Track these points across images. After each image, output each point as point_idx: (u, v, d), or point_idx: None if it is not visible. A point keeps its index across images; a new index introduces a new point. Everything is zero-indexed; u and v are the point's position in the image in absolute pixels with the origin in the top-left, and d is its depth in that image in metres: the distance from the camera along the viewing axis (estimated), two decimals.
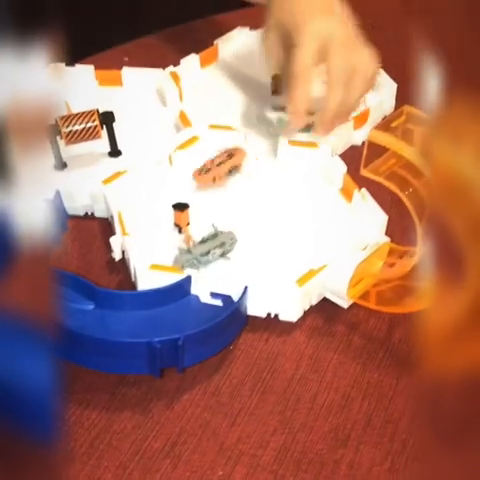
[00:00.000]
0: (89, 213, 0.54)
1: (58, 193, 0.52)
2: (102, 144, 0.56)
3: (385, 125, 0.42)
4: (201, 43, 0.67)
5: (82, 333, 0.40)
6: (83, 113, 0.53)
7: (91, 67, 0.64)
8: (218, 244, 0.46)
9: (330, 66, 0.51)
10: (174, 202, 0.50)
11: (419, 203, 0.40)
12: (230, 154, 0.53)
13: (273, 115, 0.59)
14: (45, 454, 0.23)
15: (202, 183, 0.52)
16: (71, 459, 0.40)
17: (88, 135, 0.54)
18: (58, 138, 0.54)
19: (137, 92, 0.63)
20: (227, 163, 0.53)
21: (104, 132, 0.55)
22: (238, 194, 0.53)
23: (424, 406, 0.38)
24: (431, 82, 0.21)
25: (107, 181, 0.52)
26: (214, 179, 0.52)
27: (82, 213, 0.54)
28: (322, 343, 0.44)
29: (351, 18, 0.54)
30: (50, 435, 0.23)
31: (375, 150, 0.42)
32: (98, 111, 0.53)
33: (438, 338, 0.32)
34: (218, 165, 0.52)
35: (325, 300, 0.46)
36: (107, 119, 0.54)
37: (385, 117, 0.60)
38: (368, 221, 0.49)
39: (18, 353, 0.22)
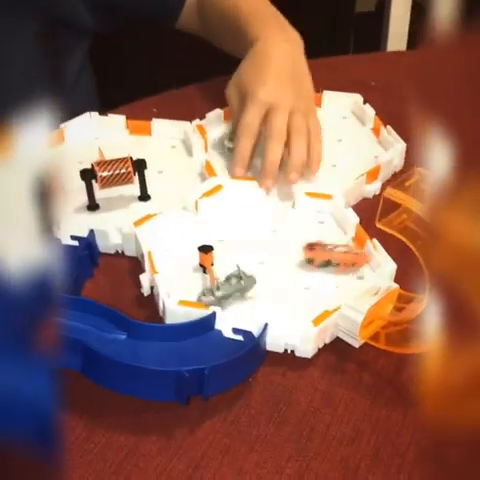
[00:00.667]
0: (119, 251, 0.58)
1: (92, 232, 0.57)
2: (133, 188, 0.60)
3: (400, 184, 0.46)
4: (225, 98, 0.72)
5: (115, 360, 0.44)
6: (118, 160, 0.58)
7: (123, 117, 0.69)
8: (239, 288, 0.50)
9: (269, 126, 0.61)
10: (199, 244, 0.54)
11: (428, 254, 0.44)
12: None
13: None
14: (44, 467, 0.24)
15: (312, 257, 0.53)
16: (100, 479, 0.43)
17: (121, 180, 0.58)
18: (93, 181, 0.59)
19: (165, 142, 0.68)
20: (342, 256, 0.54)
21: (135, 177, 0.59)
22: (258, 238, 0.57)
23: (429, 444, 0.40)
24: (438, 149, 0.24)
25: (138, 223, 0.56)
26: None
27: (113, 251, 0.58)
28: (335, 379, 0.48)
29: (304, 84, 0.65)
30: (50, 449, 0.25)
31: (389, 205, 0.47)
32: (131, 158, 0.58)
33: (442, 391, 0.33)
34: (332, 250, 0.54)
35: (338, 339, 0.50)
36: (139, 166, 0.59)
37: (395, 173, 0.65)
38: (379, 268, 0.53)
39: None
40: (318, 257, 0.52)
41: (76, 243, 0.56)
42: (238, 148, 0.61)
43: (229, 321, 0.49)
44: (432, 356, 0.28)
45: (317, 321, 0.48)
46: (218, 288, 0.50)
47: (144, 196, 0.61)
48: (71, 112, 0.70)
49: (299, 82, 0.65)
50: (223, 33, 0.76)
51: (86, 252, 0.56)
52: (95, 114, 0.69)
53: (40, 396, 0.23)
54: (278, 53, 0.65)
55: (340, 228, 0.58)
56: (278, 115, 0.61)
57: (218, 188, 0.60)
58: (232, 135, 0.64)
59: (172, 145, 0.68)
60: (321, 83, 0.70)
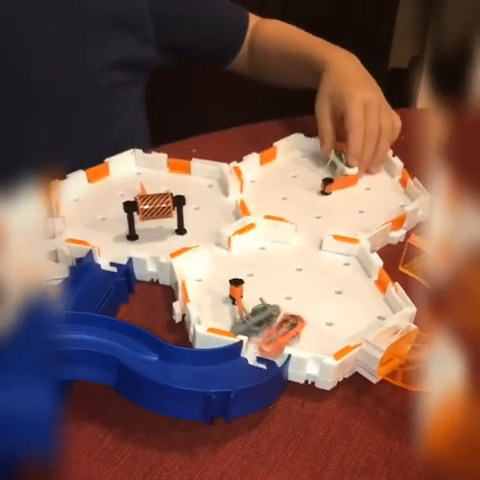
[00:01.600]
0: (154, 280, 0.62)
1: (130, 260, 0.61)
2: (171, 222, 0.64)
3: (424, 232, 0.49)
4: (262, 143, 0.77)
5: (147, 379, 0.47)
6: (159, 195, 0.62)
7: (164, 155, 0.74)
8: (267, 316, 0.54)
9: (366, 122, 0.72)
10: (230, 277, 0.58)
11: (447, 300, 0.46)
12: (292, 324, 0.54)
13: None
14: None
15: (272, 355, 0.51)
16: None
17: (161, 214, 0.62)
18: (135, 213, 0.63)
19: (203, 180, 0.72)
20: (290, 333, 0.53)
21: (174, 212, 0.63)
22: (285, 274, 0.61)
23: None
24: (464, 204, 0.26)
25: (174, 254, 0.60)
26: (281, 348, 0.52)
27: (148, 279, 0.62)
28: (351, 412, 0.50)
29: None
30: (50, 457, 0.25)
31: (413, 251, 0.49)
32: (172, 194, 0.62)
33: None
34: (283, 335, 0.53)
35: (357, 374, 0.52)
36: (179, 202, 0.63)
37: (419, 223, 0.68)
38: (400, 310, 0.55)
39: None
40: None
41: (115, 269, 0.60)
42: (353, 143, 0.72)
43: (254, 350, 0.52)
44: (449, 401, 0.29)
45: (338, 355, 0.51)
46: (246, 319, 0.53)
47: (181, 230, 0.65)
48: (124, 139, 0.75)
49: (373, 84, 0.77)
50: (283, 66, 0.85)
51: (123, 278, 0.59)
52: (139, 151, 0.74)
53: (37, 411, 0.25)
54: (351, 65, 0.78)
55: (364, 271, 0.61)
56: (374, 113, 0.73)
57: (250, 226, 0.64)
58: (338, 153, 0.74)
59: (209, 184, 0.72)
60: None
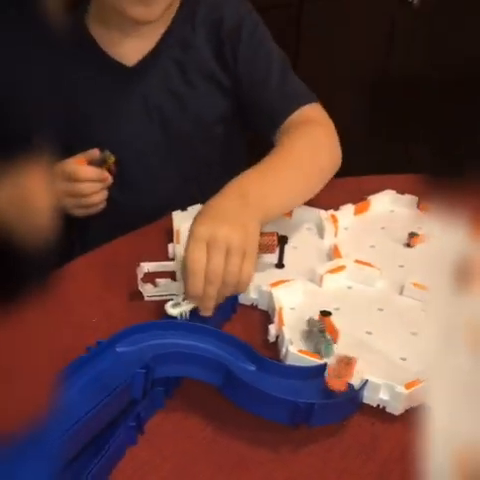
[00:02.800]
0: (254, 304, 0.72)
1: None
2: (272, 257, 0.75)
3: None
4: (357, 196, 0.86)
5: (247, 383, 0.57)
6: (267, 233, 0.73)
7: None
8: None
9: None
10: (319, 309, 0.67)
11: None
12: (347, 361, 0.59)
13: None
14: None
15: (337, 388, 0.58)
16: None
17: (266, 249, 0.73)
18: None
19: (302, 224, 0.83)
20: (350, 371, 0.59)
21: (277, 249, 0.74)
22: (368, 312, 0.70)
23: None
24: None
25: (274, 284, 0.71)
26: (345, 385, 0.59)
27: (249, 303, 0.72)
28: (416, 437, 0.58)
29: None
30: None
31: None
32: (277, 234, 0.73)
33: None
34: (345, 371, 0.59)
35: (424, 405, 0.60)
36: (282, 241, 0.74)
37: None
38: None
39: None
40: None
41: None
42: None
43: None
44: None
45: (408, 386, 0.59)
46: (332, 343, 0.63)
47: (280, 264, 0.75)
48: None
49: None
50: None
51: (230, 301, 0.70)
52: None
53: None
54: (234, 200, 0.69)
55: None
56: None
57: (341, 268, 0.74)
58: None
59: (308, 227, 0.83)
60: None
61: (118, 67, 0.90)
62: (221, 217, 0.66)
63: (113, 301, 0.73)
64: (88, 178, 0.82)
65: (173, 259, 0.76)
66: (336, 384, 0.58)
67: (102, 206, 0.85)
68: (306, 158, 0.79)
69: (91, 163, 0.82)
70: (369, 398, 0.60)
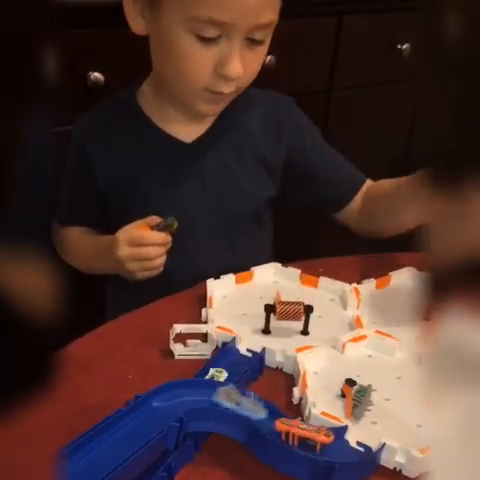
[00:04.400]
0: (280, 367, 0.77)
1: (263, 349, 0.77)
2: (298, 324, 0.80)
3: None
4: (380, 272, 0.92)
5: (272, 440, 0.62)
6: (294, 302, 0.78)
7: (298, 270, 0.91)
8: (363, 394, 0.68)
9: None
10: (341, 375, 0.72)
11: None
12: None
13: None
14: None
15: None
16: None
17: (293, 317, 0.79)
18: (272, 314, 0.79)
19: (327, 295, 0.88)
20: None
21: (303, 317, 0.79)
22: (387, 380, 0.74)
23: None
24: None
25: (299, 350, 0.75)
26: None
27: (275, 366, 0.77)
28: None
29: None
30: None
31: None
32: (304, 303, 0.79)
33: None
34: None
35: None
36: (308, 310, 0.79)
37: None
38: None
39: None
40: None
41: (250, 355, 0.76)
42: None
43: (356, 435, 0.65)
44: None
45: (423, 450, 0.63)
46: (354, 409, 0.67)
47: (305, 331, 0.80)
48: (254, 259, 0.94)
49: None
50: (387, 205, 0.97)
51: (256, 362, 0.75)
52: (278, 265, 0.92)
53: None
54: None
55: None
56: None
57: (362, 337, 0.78)
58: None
59: (332, 298, 0.88)
60: None
61: (177, 143, 0.98)
62: None
63: (147, 359, 0.78)
64: (155, 242, 0.88)
65: (205, 322, 0.81)
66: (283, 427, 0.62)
67: (162, 269, 0.91)
68: None
69: (153, 228, 0.89)
70: (386, 461, 0.64)
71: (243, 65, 0.87)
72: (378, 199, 1.00)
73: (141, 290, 0.93)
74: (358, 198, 1.04)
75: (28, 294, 0.22)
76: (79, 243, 1.02)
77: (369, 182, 1.05)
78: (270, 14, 0.86)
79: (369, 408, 0.69)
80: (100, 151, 0.99)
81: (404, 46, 1.61)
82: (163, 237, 0.88)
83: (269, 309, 0.79)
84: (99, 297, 1.12)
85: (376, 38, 1.60)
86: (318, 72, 1.58)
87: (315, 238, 1.57)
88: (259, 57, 0.91)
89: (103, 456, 0.60)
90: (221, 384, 0.68)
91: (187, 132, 0.99)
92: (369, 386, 0.70)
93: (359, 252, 1.00)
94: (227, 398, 0.65)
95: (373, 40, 1.60)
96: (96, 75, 1.18)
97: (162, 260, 0.90)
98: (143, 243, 0.88)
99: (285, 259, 0.97)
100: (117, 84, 1.11)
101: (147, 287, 0.92)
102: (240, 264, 0.92)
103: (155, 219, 0.89)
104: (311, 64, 1.54)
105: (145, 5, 0.88)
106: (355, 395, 0.69)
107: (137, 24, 0.89)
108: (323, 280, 0.89)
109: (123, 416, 0.62)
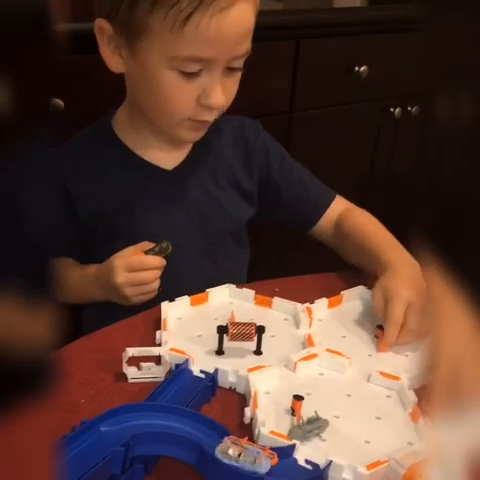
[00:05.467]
0: (233, 387, 0.77)
1: (216, 370, 0.77)
2: (251, 345, 0.81)
3: None
4: (331, 290, 0.94)
5: (220, 461, 0.62)
6: (246, 323, 0.79)
7: (253, 291, 0.92)
8: (317, 427, 0.68)
9: (405, 320, 0.83)
10: (293, 393, 0.73)
11: None
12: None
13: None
14: None
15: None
16: None
17: (245, 337, 0.79)
18: (225, 335, 0.80)
19: (280, 315, 0.90)
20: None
21: (255, 337, 0.80)
22: (337, 397, 0.75)
23: None
24: None
25: (251, 370, 0.76)
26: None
27: (228, 387, 0.78)
28: None
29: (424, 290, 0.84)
30: None
31: None
32: (255, 324, 0.79)
33: None
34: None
35: None
36: (260, 330, 0.80)
37: None
38: (426, 438, 0.68)
39: None
40: None
41: (203, 376, 0.77)
42: (388, 335, 0.83)
43: (304, 453, 0.66)
44: None
45: (370, 467, 0.64)
46: (301, 426, 0.68)
47: (258, 351, 0.81)
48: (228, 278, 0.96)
49: (422, 289, 0.85)
50: (357, 253, 1.01)
51: (209, 383, 0.76)
52: (233, 286, 0.93)
53: None
54: (409, 270, 0.88)
55: (402, 403, 0.74)
56: (415, 313, 0.83)
57: (313, 355, 0.79)
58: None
59: (285, 318, 0.89)
60: None
61: (159, 171, 1.00)
62: (413, 286, 0.86)
63: (100, 383, 0.78)
64: (154, 266, 0.89)
65: (160, 345, 0.82)
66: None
67: (156, 293, 0.92)
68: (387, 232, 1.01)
69: (147, 253, 0.90)
70: (334, 478, 0.65)
71: (223, 93, 0.89)
72: (348, 244, 1.03)
73: (121, 308, 0.94)
74: (330, 214, 1.07)
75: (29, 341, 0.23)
76: (64, 275, 1.02)
77: (340, 199, 1.09)
78: (247, 44, 0.89)
79: (317, 431, 0.69)
80: (80, 182, 0.99)
81: (361, 68, 1.65)
82: (160, 261, 0.90)
83: (222, 330, 0.80)
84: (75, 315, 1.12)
85: (334, 61, 1.64)
86: (279, 94, 1.60)
87: (297, 254, 1.58)
88: (237, 82, 0.94)
89: None
90: (174, 408, 0.68)
91: (167, 159, 1.01)
92: (324, 421, 0.70)
93: (344, 266, 1.02)
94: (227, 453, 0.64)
95: (331, 63, 1.63)
96: (56, 101, 1.19)
97: (157, 284, 0.91)
98: (142, 268, 0.89)
99: (267, 276, 1.00)
100: (75, 111, 1.11)
101: (128, 306, 0.93)
102: (223, 282, 0.95)
103: (148, 244, 0.91)
104: (271, 87, 1.56)
105: (122, 45, 0.89)
106: (307, 424, 0.69)
107: (114, 62, 0.90)
108: (277, 300, 0.91)
109: (69, 441, 0.62)
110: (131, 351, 0.78)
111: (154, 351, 0.79)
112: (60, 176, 0.98)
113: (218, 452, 0.62)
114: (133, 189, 1.00)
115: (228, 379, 0.77)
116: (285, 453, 0.66)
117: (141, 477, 0.65)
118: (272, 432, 0.68)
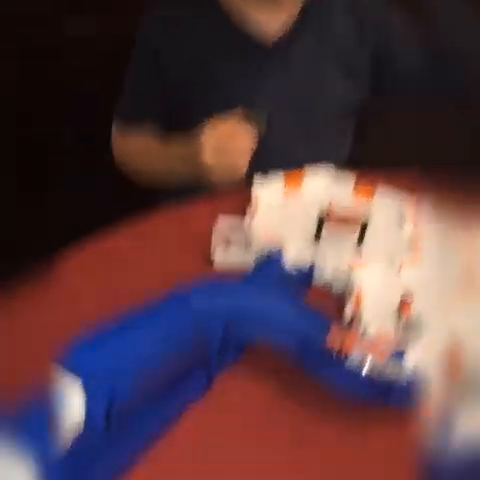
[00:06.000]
0: (328, 284, 0.70)
1: (312, 264, 0.70)
2: (352, 238, 0.73)
3: None
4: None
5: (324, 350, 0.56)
6: (349, 216, 0.71)
7: (353, 179, 0.81)
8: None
9: None
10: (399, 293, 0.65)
11: None
12: None
13: None
14: None
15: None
16: None
17: (346, 232, 0.71)
18: (323, 226, 0.72)
19: (383, 208, 0.79)
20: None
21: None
22: None
23: None
24: None
25: (353, 266, 0.69)
26: None
27: (323, 282, 0.70)
28: None
29: None
30: None
31: None
32: (360, 219, 0.71)
33: None
34: None
35: None
36: (363, 226, 0.72)
37: None
38: None
39: None
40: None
41: (297, 268, 0.70)
42: None
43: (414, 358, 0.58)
44: None
45: None
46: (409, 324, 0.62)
47: (359, 247, 0.73)
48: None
49: None
50: None
51: (303, 277, 0.69)
52: (332, 169, 0.82)
53: None
54: None
55: None
56: None
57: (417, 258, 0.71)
58: None
59: (388, 212, 0.79)
60: None
61: (258, 40, 0.93)
62: None
63: (183, 262, 0.72)
64: (246, 133, 0.82)
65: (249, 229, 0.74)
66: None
67: (243, 176, 0.84)
68: None
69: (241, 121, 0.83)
70: None
71: None
72: None
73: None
74: None
75: None
76: (147, 148, 0.98)
77: None
78: None
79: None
80: (173, 50, 0.94)
81: None
82: (252, 130, 0.82)
83: (321, 221, 0.72)
84: None
85: None
86: None
87: None
88: None
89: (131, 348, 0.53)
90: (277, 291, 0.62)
91: (268, 27, 0.93)
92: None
93: None
94: None
95: None
96: None
97: (248, 158, 0.82)
98: (233, 134, 0.82)
99: None
100: None
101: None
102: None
103: (240, 112, 0.83)
104: None
105: None
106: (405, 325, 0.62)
107: None
108: (380, 191, 0.80)
109: (155, 310, 0.56)
110: (222, 225, 0.72)
111: (245, 230, 0.72)
112: (153, 45, 0.94)
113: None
114: (227, 54, 0.93)
115: (324, 274, 0.70)
116: (396, 355, 0.59)
117: (233, 363, 0.59)
118: (378, 333, 0.61)
